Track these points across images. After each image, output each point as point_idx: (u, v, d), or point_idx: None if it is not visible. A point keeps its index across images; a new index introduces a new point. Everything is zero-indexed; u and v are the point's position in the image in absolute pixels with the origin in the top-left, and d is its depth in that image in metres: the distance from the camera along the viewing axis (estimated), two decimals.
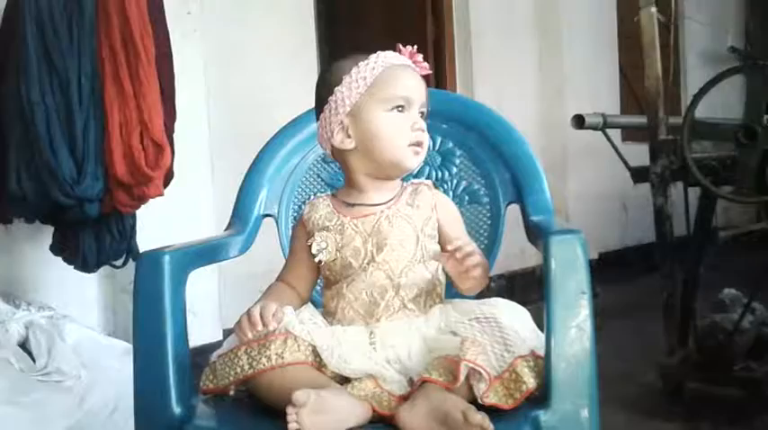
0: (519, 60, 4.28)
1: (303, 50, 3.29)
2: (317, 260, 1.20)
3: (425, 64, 1.23)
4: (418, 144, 1.19)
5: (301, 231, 1.25)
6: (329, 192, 1.30)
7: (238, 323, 1.10)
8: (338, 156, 1.24)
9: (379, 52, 1.20)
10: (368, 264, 1.17)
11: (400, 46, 1.22)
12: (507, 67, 4.14)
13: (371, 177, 1.22)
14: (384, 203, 1.21)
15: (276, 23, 3.17)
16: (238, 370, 1.10)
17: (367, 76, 1.17)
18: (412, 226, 1.20)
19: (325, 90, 1.20)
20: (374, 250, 1.17)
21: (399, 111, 1.18)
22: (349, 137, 1.20)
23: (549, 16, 4.36)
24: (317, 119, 1.24)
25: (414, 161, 1.20)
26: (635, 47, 2.73)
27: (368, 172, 1.22)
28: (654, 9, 2.50)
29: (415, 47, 1.24)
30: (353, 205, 1.22)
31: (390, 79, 1.18)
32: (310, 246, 1.21)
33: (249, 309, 1.09)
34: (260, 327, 1.06)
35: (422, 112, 1.21)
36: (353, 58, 1.20)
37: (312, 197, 1.35)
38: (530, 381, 1.05)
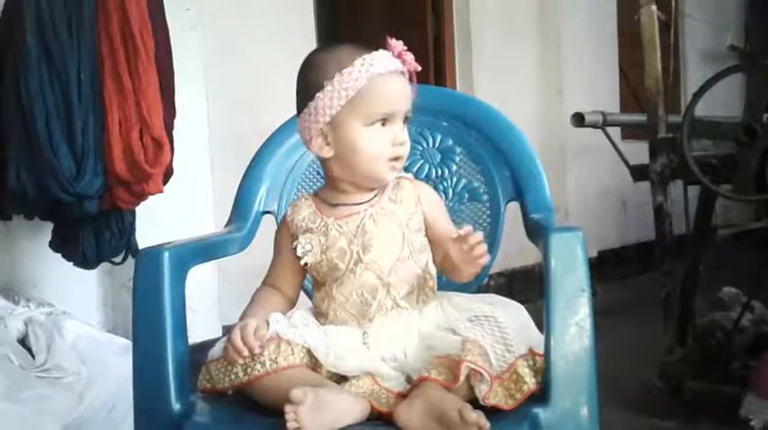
0: (519, 58, 4.28)
1: (303, 47, 3.24)
2: (302, 263, 1.18)
3: (414, 64, 1.17)
4: (397, 159, 1.17)
5: (285, 233, 1.23)
6: (310, 192, 1.27)
7: (226, 351, 1.09)
8: (318, 157, 1.21)
9: (364, 57, 1.12)
10: (355, 265, 1.15)
11: (390, 41, 1.16)
12: (507, 65, 4.14)
13: (351, 184, 1.19)
14: (367, 202, 1.19)
15: (276, 20, 3.17)
16: (233, 376, 1.11)
17: (350, 87, 1.11)
18: (397, 223, 1.18)
19: (306, 90, 1.16)
20: (360, 251, 1.16)
21: (381, 124, 1.15)
22: (328, 145, 1.16)
23: (550, 14, 4.36)
24: (298, 113, 1.20)
25: (391, 176, 1.18)
26: (635, 45, 2.73)
27: (346, 179, 1.19)
28: (654, 7, 2.49)
29: (403, 43, 1.16)
30: (336, 205, 1.20)
31: (374, 93, 1.12)
32: (295, 248, 1.19)
33: (230, 335, 1.08)
34: (246, 354, 1.06)
35: (405, 118, 1.18)
36: (337, 57, 1.14)
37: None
38: (530, 382, 1.05)
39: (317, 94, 1.13)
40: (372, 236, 1.16)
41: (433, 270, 1.21)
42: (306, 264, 1.18)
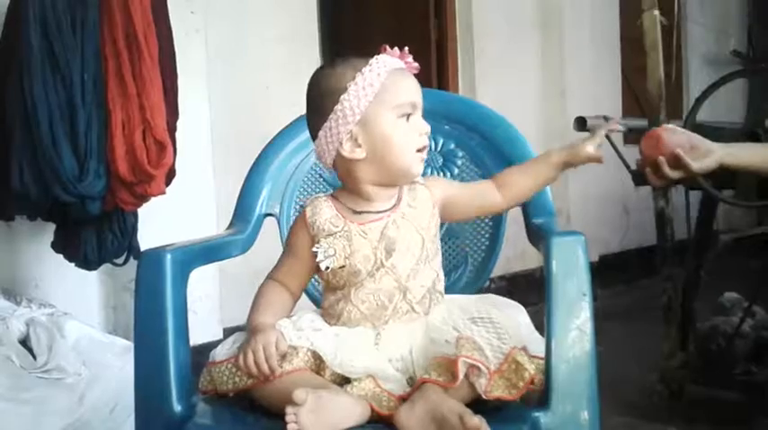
0: (521, 62, 4.28)
1: (306, 50, 3.29)
2: (323, 267, 1.17)
3: (416, 64, 1.21)
4: (424, 149, 1.19)
5: (303, 232, 1.21)
6: (328, 193, 1.26)
7: (244, 361, 1.09)
8: (342, 166, 1.19)
9: (376, 57, 1.16)
10: (376, 270, 1.16)
11: (387, 47, 1.19)
12: (510, 69, 4.15)
13: (377, 185, 1.19)
14: (389, 209, 1.20)
15: (279, 23, 3.17)
16: (237, 380, 1.12)
17: (374, 82, 1.14)
18: (417, 228, 1.19)
19: (327, 99, 1.15)
20: (383, 256, 1.16)
21: (407, 117, 1.17)
22: (359, 146, 1.16)
23: (552, 18, 4.37)
24: (315, 129, 1.18)
25: (420, 168, 1.20)
26: (637, 49, 2.73)
27: (374, 180, 1.19)
28: (657, 12, 2.50)
29: (406, 48, 1.21)
30: (360, 213, 1.19)
31: (396, 85, 1.15)
32: (315, 252, 1.18)
33: (252, 347, 1.08)
34: (267, 371, 1.07)
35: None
36: (349, 63, 1.16)
37: (310, 196, 1.34)
38: (531, 368, 1.06)
39: (343, 96, 1.14)
40: (395, 241, 1.17)
41: (442, 273, 1.23)
42: (327, 267, 1.17)
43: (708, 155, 1.28)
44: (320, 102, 1.17)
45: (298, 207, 1.49)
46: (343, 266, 1.16)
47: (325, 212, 1.20)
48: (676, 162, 1.26)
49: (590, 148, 1.25)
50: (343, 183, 1.23)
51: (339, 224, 1.19)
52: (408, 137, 1.17)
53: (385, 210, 1.20)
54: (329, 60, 1.21)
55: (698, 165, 1.27)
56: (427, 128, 1.19)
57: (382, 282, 1.16)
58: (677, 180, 1.29)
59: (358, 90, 1.14)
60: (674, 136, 1.26)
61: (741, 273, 2.60)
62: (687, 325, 2.47)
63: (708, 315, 2.59)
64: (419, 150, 1.18)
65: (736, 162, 1.33)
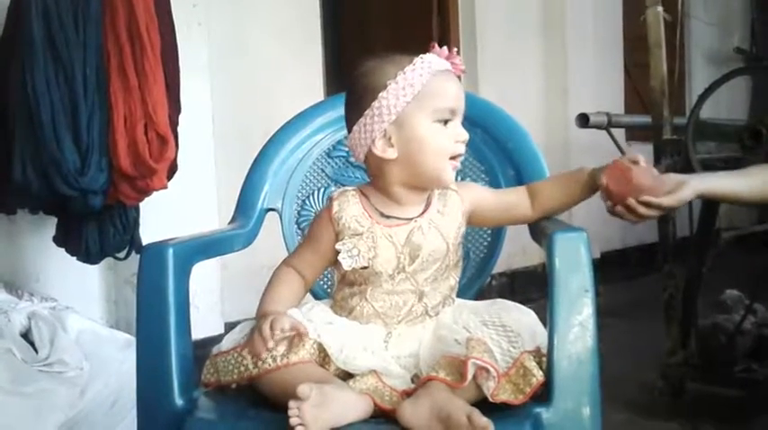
0: (524, 58, 4.27)
1: (308, 45, 3.29)
2: (345, 266, 1.15)
3: (462, 66, 1.17)
4: (458, 157, 1.17)
5: (327, 226, 1.19)
6: (355, 187, 1.23)
7: (252, 340, 1.09)
8: (373, 163, 1.17)
9: (422, 56, 1.13)
10: (397, 273, 1.16)
11: (436, 46, 1.16)
12: (512, 65, 4.14)
13: (406, 187, 1.18)
14: (418, 216, 1.18)
15: (281, 17, 3.17)
16: (242, 369, 1.11)
17: (415, 83, 1.11)
18: (444, 237, 1.18)
19: (366, 94, 1.13)
20: (406, 261, 1.15)
21: (444, 124, 1.14)
22: (391, 146, 1.14)
23: (555, 15, 4.36)
24: (351, 122, 1.17)
25: (452, 176, 1.18)
26: (640, 46, 2.72)
27: (404, 182, 1.17)
28: (660, 8, 2.49)
29: (455, 49, 1.17)
30: (389, 217, 1.18)
31: (438, 89, 1.13)
32: (338, 249, 1.16)
33: (261, 326, 1.08)
34: (271, 344, 1.07)
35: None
36: (393, 60, 1.14)
37: (333, 189, 1.34)
38: (538, 374, 1.06)
39: (381, 94, 1.12)
40: (420, 247, 1.16)
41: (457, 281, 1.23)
42: (349, 265, 1.15)
43: (680, 187, 1.21)
44: (359, 96, 1.15)
45: (300, 202, 1.49)
46: (366, 267, 1.15)
47: (351, 209, 1.18)
48: (647, 203, 1.21)
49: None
50: (372, 179, 1.22)
51: (365, 224, 1.17)
52: (443, 143, 1.14)
53: (413, 217, 1.18)
54: (369, 57, 1.17)
55: (669, 200, 1.19)
56: (465, 135, 1.16)
57: (401, 285, 1.16)
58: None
59: (397, 89, 1.12)
60: (642, 173, 1.20)
61: (742, 271, 2.60)
62: (688, 322, 2.47)
63: (709, 312, 2.59)
64: (453, 158, 1.16)
65: (710, 191, 1.27)
